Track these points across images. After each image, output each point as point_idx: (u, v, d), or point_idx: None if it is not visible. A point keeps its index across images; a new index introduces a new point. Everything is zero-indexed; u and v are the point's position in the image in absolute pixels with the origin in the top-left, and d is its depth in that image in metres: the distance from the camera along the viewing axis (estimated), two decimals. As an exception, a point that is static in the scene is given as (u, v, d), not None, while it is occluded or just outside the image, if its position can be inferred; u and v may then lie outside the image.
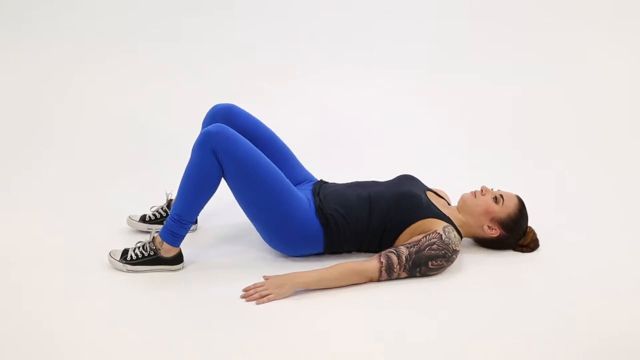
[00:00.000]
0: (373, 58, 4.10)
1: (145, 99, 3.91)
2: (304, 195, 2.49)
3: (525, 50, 4.07)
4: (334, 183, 2.67)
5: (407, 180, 2.60)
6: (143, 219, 2.73)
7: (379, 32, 4.13)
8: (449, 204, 2.64)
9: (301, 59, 4.10)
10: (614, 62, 4.02)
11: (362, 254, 2.51)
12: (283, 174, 2.44)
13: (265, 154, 2.47)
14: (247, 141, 2.39)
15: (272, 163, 2.42)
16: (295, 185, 2.60)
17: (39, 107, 3.81)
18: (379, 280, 2.33)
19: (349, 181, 2.69)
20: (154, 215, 2.73)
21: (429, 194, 2.57)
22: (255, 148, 2.40)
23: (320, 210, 2.44)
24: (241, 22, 4.16)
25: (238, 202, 2.45)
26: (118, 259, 2.40)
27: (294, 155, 2.73)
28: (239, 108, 2.68)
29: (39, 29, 4.08)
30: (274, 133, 2.70)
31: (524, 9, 4.12)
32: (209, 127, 2.36)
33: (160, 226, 2.68)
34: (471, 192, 2.54)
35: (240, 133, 2.51)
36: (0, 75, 3.94)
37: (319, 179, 2.71)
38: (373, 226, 2.45)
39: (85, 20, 4.12)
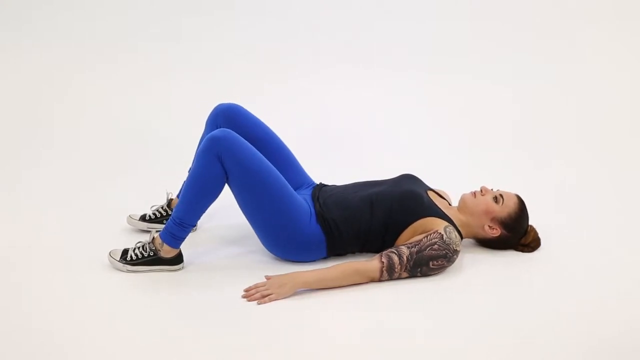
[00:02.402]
0: (373, 58, 4.10)
1: (145, 99, 3.91)
2: (304, 200, 2.49)
3: (525, 50, 4.07)
4: (334, 185, 2.67)
5: (408, 180, 2.61)
6: (143, 218, 2.73)
7: (379, 32, 4.13)
8: (450, 205, 2.64)
9: (301, 59, 4.10)
10: (614, 62, 4.02)
11: (365, 254, 2.51)
12: (285, 180, 2.44)
13: (266, 156, 2.47)
14: (251, 147, 2.39)
15: (274, 169, 2.42)
16: (295, 190, 2.60)
17: (39, 107, 3.81)
18: (379, 280, 2.33)
19: (349, 181, 2.69)
20: (154, 214, 2.73)
21: (430, 194, 2.57)
22: (259, 154, 2.40)
23: (320, 216, 2.45)
24: (241, 22, 4.16)
25: (240, 207, 2.46)
26: (118, 259, 2.40)
27: (294, 158, 2.73)
28: (242, 108, 2.68)
29: (39, 29, 4.08)
30: (275, 134, 2.70)
31: (524, 9, 4.12)
32: (214, 132, 2.36)
33: (160, 226, 2.68)
34: (471, 192, 2.54)
35: (242, 134, 2.51)
36: (0, 75, 3.94)
37: (317, 183, 2.71)
38: (375, 226, 2.45)
39: (85, 20, 4.12)
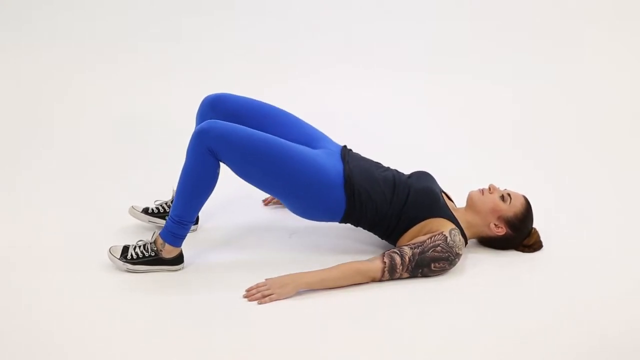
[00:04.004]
0: (373, 58, 4.10)
1: (145, 99, 3.91)
2: (327, 157, 2.45)
3: (525, 50, 4.07)
4: (359, 154, 2.61)
5: (427, 177, 2.59)
6: (146, 210, 2.73)
7: (379, 32, 4.13)
8: (455, 207, 2.64)
9: (301, 59, 4.09)
10: (614, 62, 4.02)
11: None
12: (291, 143, 2.39)
13: (266, 129, 2.45)
14: (240, 126, 2.35)
15: (274, 137, 2.37)
16: (313, 144, 2.55)
17: (39, 107, 3.81)
18: (380, 280, 2.33)
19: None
20: (157, 208, 2.73)
21: (443, 195, 2.58)
22: (251, 129, 2.36)
23: (348, 182, 2.41)
24: (241, 22, 4.16)
25: (258, 187, 2.42)
26: (118, 256, 2.39)
27: (298, 118, 2.67)
28: (228, 94, 2.63)
29: (39, 29, 4.07)
30: (271, 105, 2.64)
31: (524, 9, 4.12)
32: (199, 125, 2.34)
33: (162, 221, 2.69)
34: (479, 190, 2.55)
35: (231, 117, 2.48)
36: (0, 75, 3.94)
37: (342, 145, 2.64)
38: (391, 213, 2.44)
39: (85, 20, 4.12)
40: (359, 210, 2.43)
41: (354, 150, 2.65)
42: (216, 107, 2.59)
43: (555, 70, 4.02)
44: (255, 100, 2.65)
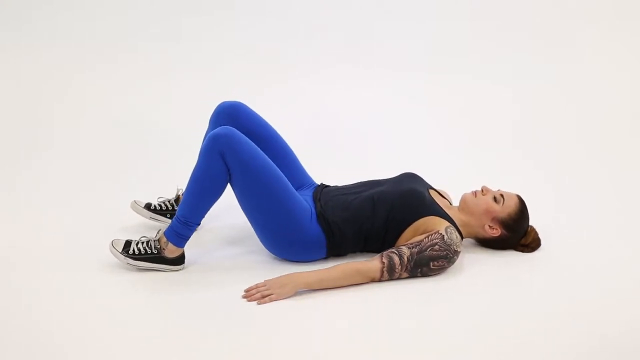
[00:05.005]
0: (373, 58, 4.10)
1: (145, 99, 3.91)
2: (304, 201, 2.49)
3: (525, 50, 4.07)
4: (335, 186, 2.66)
5: (409, 178, 2.60)
6: (148, 206, 2.73)
7: (379, 32, 4.13)
8: (450, 204, 2.64)
9: (301, 59, 4.09)
10: (614, 62, 4.02)
11: (366, 254, 2.51)
12: (286, 179, 2.44)
13: (268, 156, 2.47)
14: (254, 145, 2.39)
15: (276, 168, 2.41)
16: (296, 190, 2.59)
17: (39, 107, 3.81)
18: (380, 280, 2.33)
19: (349, 182, 2.68)
20: (159, 205, 2.73)
21: (432, 193, 2.57)
22: (261, 152, 2.40)
23: (321, 216, 2.44)
24: (241, 22, 4.16)
25: (241, 205, 2.45)
26: (120, 250, 2.39)
27: (296, 158, 2.73)
28: (245, 106, 2.67)
29: (39, 29, 4.07)
30: (277, 133, 2.70)
31: (524, 9, 4.12)
32: (216, 129, 2.36)
33: (163, 217, 2.70)
34: (472, 192, 2.55)
35: (245, 132, 2.51)
36: (0, 75, 3.94)
37: (319, 183, 2.71)
38: (376, 226, 2.45)
39: (85, 20, 4.12)
40: (340, 236, 2.44)
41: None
42: (232, 117, 2.62)
43: (555, 70, 4.02)
44: (267, 123, 2.69)
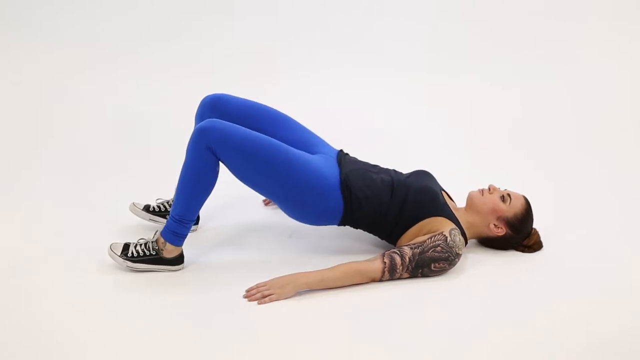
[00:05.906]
0: (373, 58, 4.09)
1: (145, 99, 3.91)
2: (324, 162, 2.45)
3: (525, 50, 4.07)
4: (355, 158, 2.62)
5: (426, 176, 2.59)
6: (147, 208, 2.73)
7: (379, 32, 4.13)
8: (456, 207, 2.64)
9: (301, 59, 4.09)
10: (614, 62, 4.02)
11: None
12: (290, 147, 2.40)
13: (266, 131, 2.45)
14: (241, 127, 2.35)
15: (274, 140, 2.37)
16: (311, 149, 2.56)
17: (39, 107, 3.81)
18: (381, 280, 2.33)
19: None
20: (158, 207, 2.73)
21: (444, 194, 2.58)
22: (251, 131, 2.36)
23: (345, 185, 2.42)
24: (241, 22, 4.15)
25: (254, 189, 2.42)
26: (119, 253, 2.39)
27: (298, 123, 2.67)
28: (228, 95, 2.63)
29: (39, 29, 4.07)
30: (270, 108, 2.65)
31: (525, 9, 4.12)
32: (200, 124, 2.34)
33: (162, 219, 2.69)
34: (479, 190, 2.55)
35: (233, 119, 2.49)
36: (0, 75, 3.94)
37: (339, 149, 2.66)
38: (390, 213, 2.44)
39: (85, 20, 4.11)
40: (357, 211, 2.43)
41: (352, 154, 2.65)
42: (216, 107, 2.59)
43: (555, 70, 4.01)
44: (254, 102, 2.65)
